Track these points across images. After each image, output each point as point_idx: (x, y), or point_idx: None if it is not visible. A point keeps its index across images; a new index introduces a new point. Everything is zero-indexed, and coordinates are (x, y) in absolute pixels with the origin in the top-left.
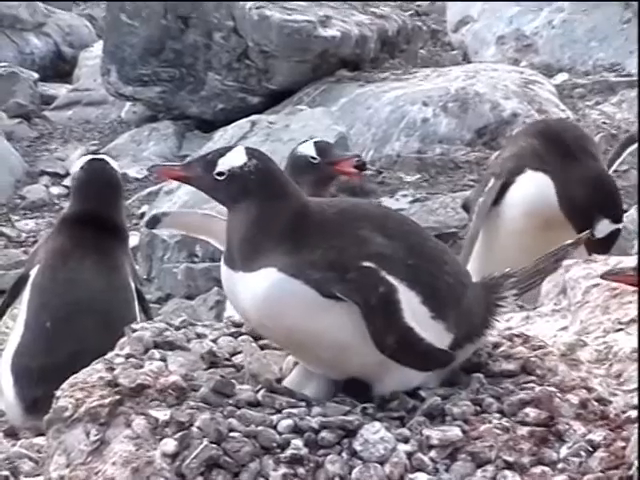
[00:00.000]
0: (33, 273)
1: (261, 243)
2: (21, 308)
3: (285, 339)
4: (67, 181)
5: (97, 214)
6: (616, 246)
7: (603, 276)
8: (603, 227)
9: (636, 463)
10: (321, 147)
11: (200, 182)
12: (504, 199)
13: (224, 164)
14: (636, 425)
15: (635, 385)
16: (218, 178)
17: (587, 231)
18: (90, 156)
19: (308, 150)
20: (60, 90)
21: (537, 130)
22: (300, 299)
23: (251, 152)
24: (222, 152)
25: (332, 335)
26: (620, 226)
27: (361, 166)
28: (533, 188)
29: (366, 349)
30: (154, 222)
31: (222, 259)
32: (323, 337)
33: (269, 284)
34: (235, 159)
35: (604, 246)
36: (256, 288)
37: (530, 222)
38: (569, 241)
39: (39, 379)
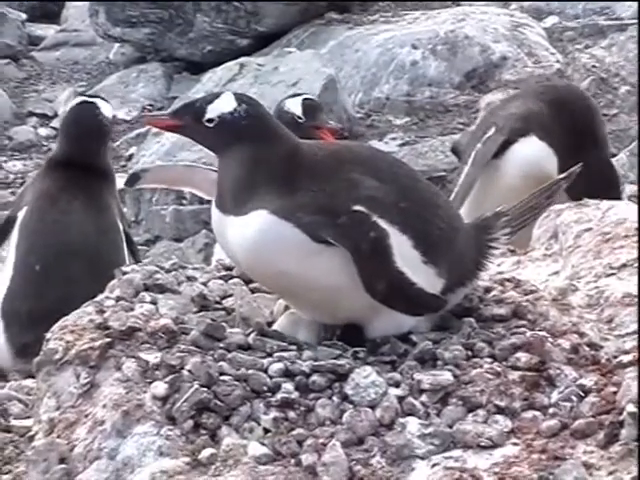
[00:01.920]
0: (21, 215)
1: (253, 186)
2: (9, 251)
3: (275, 283)
4: (55, 122)
5: (83, 157)
6: None
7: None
8: None
9: (628, 408)
10: (308, 107)
11: (190, 130)
12: (504, 155)
13: (214, 110)
14: (628, 370)
15: (627, 330)
16: (208, 125)
17: (579, 165)
18: (80, 98)
19: (295, 108)
20: (48, 31)
21: (551, 98)
22: (291, 242)
23: (240, 97)
24: (210, 99)
25: (322, 279)
26: None
27: (341, 138)
28: (536, 155)
29: (357, 294)
30: (134, 180)
31: (213, 203)
32: (313, 281)
33: (260, 226)
34: (224, 105)
35: None
36: (246, 231)
37: (528, 183)
38: (561, 175)
39: (29, 323)
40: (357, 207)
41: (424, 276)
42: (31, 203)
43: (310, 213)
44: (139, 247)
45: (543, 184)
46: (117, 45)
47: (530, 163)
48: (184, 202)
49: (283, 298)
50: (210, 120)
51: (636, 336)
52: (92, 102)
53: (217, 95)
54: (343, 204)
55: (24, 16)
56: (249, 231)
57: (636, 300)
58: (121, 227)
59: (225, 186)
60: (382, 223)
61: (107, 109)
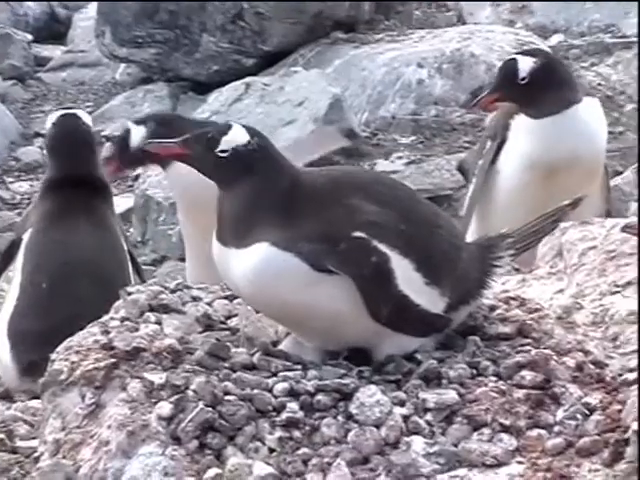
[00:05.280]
0: (25, 237)
1: (254, 219)
2: (15, 272)
3: (278, 313)
4: None
5: (76, 169)
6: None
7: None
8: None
9: (633, 426)
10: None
11: (199, 160)
12: (500, 157)
13: (228, 142)
14: (633, 388)
15: (632, 348)
16: (221, 155)
17: (583, 194)
18: (61, 111)
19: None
20: (54, 52)
21: None
22: (292, 273)
23: (250, 130)
24: (223, 130)
25: (326, 307)
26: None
27: None
28: (519, 134)
29: (361, 319)
30: None
31: (214, 236)
32: (317, 310)
33: (261, 258)
34: (238, 137)
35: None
36: (248, 263)
37: (532, 172)
38: (566, 202)
39: (35, 342)
40: (357, 233)
41: (427, 297)
42: (35, 225)
43: (310, 242)
44: (146, 267)
45: (545, 160)
46: (123, 65)
47: (522, 147)
48: None
49: (287, 327)
50: (223, 151)
51: None
52: (72, 113)
53: (228, 126)
54: (343, 231)
55: (30, 37)
56: (250, 264)
57: None
58: (125, 246)
59: (226, 219)
60: (383, 247)
61: (88, 118)
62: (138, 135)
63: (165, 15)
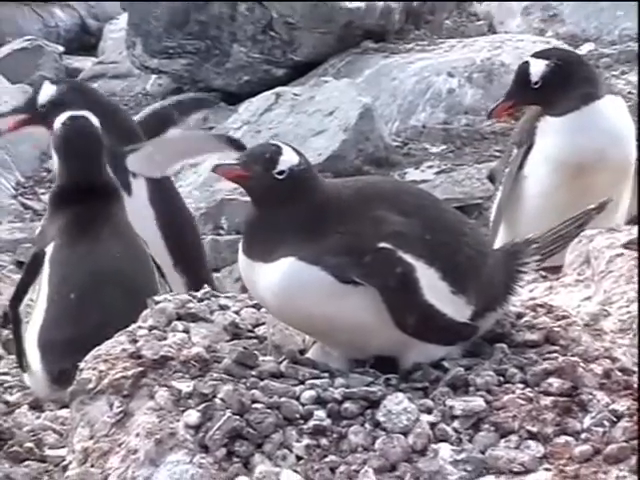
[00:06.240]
0: (49, 249)
1: (282, 233)
2: (41, 285)
3: (305, 325)
4: None
5: (92, 178)
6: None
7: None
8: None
9: None
10: None
11: (257, 181)
12: (527, 162)
13: (285, 162)
14: None
15: None
16: (278, 177)
17: (608, 197)
18: (67, 113)
19: None
20: (85, 63)
21: None
22: (318, 286)
23: (295, 149)
24: (277, 150)
25: (352, 319)
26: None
27: None
28: (544, 136)
29: (387, 330)
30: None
31: (240, 249)
32: (343, 321)
33: (287, 273)
34: (291, 157)
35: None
36: (275, 277)
37: (560, 174)
38: (591, 206)
39: (65, 351)
40: (382, 244)
41: (453, 306)
42: (57, 237)
43: (336, 255)
44: None
45: (571, 170)
46: (154, 76)
47: (550, 150)
48: (221, 232)
49: (314, 337)
50: (281, 172)
51: None
52: (81, 115)
53: (278, 146)
54: (368, 243)
55: (61, 49)
56: (277, 278)
57: None
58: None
59: (255, 233)
60: (408, 258)
61: (95, 120)
62: (47, 93)
63: (196, 26)
